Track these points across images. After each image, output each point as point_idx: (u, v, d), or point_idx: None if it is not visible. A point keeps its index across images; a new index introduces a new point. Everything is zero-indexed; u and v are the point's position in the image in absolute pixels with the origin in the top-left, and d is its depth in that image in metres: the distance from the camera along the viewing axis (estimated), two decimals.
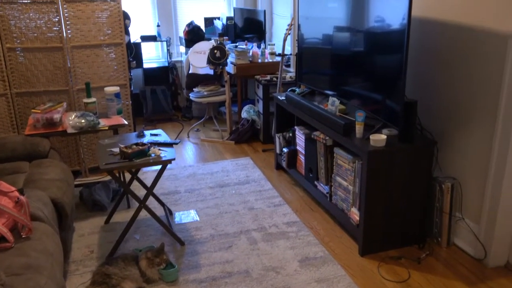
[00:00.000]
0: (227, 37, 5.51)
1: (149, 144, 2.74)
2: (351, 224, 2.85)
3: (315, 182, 3.34)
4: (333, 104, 3.10)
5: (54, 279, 1.86)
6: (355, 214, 2.80)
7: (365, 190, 2.63)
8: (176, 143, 2.92)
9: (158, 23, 5.68)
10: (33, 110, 3.18)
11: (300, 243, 2.88)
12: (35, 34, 3.56)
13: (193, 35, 5.52)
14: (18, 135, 3.37)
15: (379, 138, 2.61)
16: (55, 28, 3.60)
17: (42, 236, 2.07)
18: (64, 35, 3.63)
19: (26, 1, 3.48)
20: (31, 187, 2.52)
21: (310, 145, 3.34)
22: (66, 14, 3.59)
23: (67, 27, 3.62)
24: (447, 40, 2.74)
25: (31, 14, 3.51)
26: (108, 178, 3.72)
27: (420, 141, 2.70)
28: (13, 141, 2.99)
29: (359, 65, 2.97)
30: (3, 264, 1.82)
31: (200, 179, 3.87)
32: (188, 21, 5.64)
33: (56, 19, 3.58)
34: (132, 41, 5.23)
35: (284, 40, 4.25)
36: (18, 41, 3.54)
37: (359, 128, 2.76)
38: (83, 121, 3.09)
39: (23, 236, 2.01)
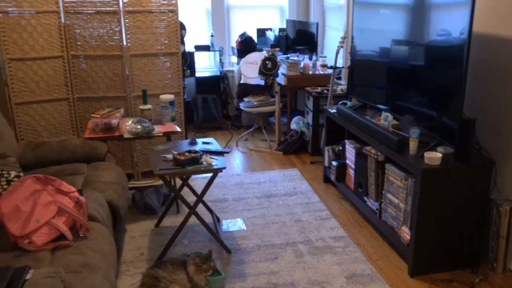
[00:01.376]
0: (278, 48, 5.55)
1: (201, 152, 2.80)
2: (401, 243, 2.78)
3: (364, 198, 3.28)
4: (386, 119, 3.05)
5: (108, 279, 1.93)
6: (405, 233, 2.73)
7: (417, 209, 2.56)
8: (227, 152, 2.97)
9: (212, 33, 5.82)
10: (92, 115, 3.34)
11: (347, 259, 2.84)
12: (98, 43, 3.74)
13: (245, 45, 5.60)
14: (78, 138, 3.53)
15: (434, 156, 2.54)
16: (116, 37, 3.76)
17: (98, 236, 2.16)
18: (124, 44, 3.78)
19: (91, 11, 3.66)
20: (88, 188, 2.64)
21: (361, 159, 3.30)
22: (126, 24, 3.75)
23: (127, 36, 3.78)
24: (508, 56, 2.64)
25: (94, 24, 3.69)
26: (160, 182, 3.83)
27: (477, 160, 2.60)
28: (74, 144, 3.14)
29: (415, 80, 2.91)
30: (62, 261, 1.91)
31: (247, 188, 3.90)
32: (241, 32, 5.73)
33: (117, 29, 3.74)
34: (186, 50, 5.37)
35: (337, 52, 4.23)
36: (81, 49, 3.73)
37: (413, 145, 2.69)
38: (139, 127, 3.20)
39: (81, 235, 2.11)
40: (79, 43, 3.71)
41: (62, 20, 3.63)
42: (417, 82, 2.89)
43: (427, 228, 2.60)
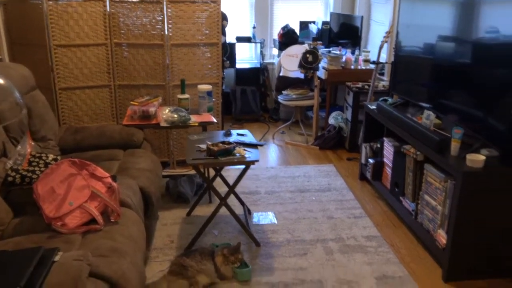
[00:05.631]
0: (321, 42, 5.45)
1: (235, 144, 2.79)
2: (437, 247, 2.67)
3: (401, 198, 3.18)
4: (428, 118, 2.93)
5: (136, 265, 1.96)
6: (442, 237, 2.62)
7: (455, 212, 2.45)
8: (261, 145, 2.95)
9: (254, 24, 5.79)
10: (131, 102, 3.39)
11: (378, 260, 2.76)
12: (140, 31, 3.79)
13: (287, 38, 5.54)
14: (116, 124, 3.61)
15: (476, 159, 2.41)
16: (158, 27, 3.80)
17: (129, 222, 2.19)
18: (166, 33, 3.82)
19: (135, 0, 3.72)
20: (123, 174, 2.68)
21: (399, 158, 3.19)
22: (169, 14, 3.77)
23: (169, 26, 3.81)
24: None
25: (138, 13, 3.74)
26: (194, 172, 3.86)
27: None
28: (112, 130, 3.21)
29: (462, 78, 2.77)
30: (92, 245, 1.95)
31: (281, 182, 3.87)
32: (284, 24, 5.67)
33: (160, 18, 3.78)
34: (227, 41, 5.37)
35: (380, 47, 4.11)
36: (124, 37, 3.79)
37: (455, 146, 2.57)
38: (175, 116, 3.23)
39: (111, 220, 2.14)
40: (122, 31, 3.78)
41: (107, 8, 3.70)
42: (464, 81, 2.75)
43: (465, 233, 2.48)
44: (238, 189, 3.68)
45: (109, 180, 2.24)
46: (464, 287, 2.53)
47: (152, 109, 3.30)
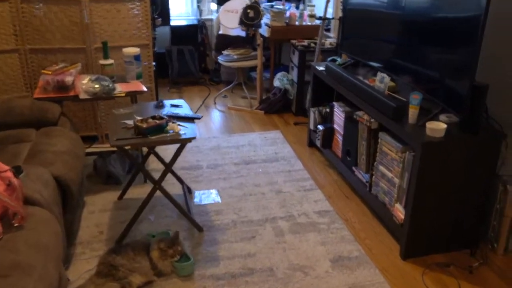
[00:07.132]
0: None
1: (167, 118, 2.40)
2: (393, 222, 2.48)
3: (353, 168, 2.96)
4: (382, 81, 2.66)
5: (46, 279, 1.59)
6: (399, 212, 2.42)
7: (415, 186, 2.24)
8: (198, 118, 2.58)
9: None
10: (43, 71, 2.88)
11: (332, 238, 2.54)
12: None
13: None
14: (26, 98, 3.09)
15: (437, 127, 2.19)
16: None
17: (38, 224, 1.79)
18: None
19: None
20: (33, 161, 2.24)
21: (351, 125, 2.94)
22: None
23: None
24: None
25: None
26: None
27: (485, 132, 2.26)
28: (21, 105, 2.71)
29: (419, 35, 2.49)
30: None
31: (224, 153, 3.54)
32: None
33: None
34: None
35: (327, 1, 3.76)
36: None
37: (413, 113, 2.33)
38: (97, 86, 2.76)
39: (15, 225, 1.73)
40: None
41: None
42: (422, 38, 2.48)
43: (424, 207, 2.30)
44: (177, 164, 3.30)
45: (9, 174, 1.81)
46: (423, 264, 2.37)
47: (68, 79, 2.81)
